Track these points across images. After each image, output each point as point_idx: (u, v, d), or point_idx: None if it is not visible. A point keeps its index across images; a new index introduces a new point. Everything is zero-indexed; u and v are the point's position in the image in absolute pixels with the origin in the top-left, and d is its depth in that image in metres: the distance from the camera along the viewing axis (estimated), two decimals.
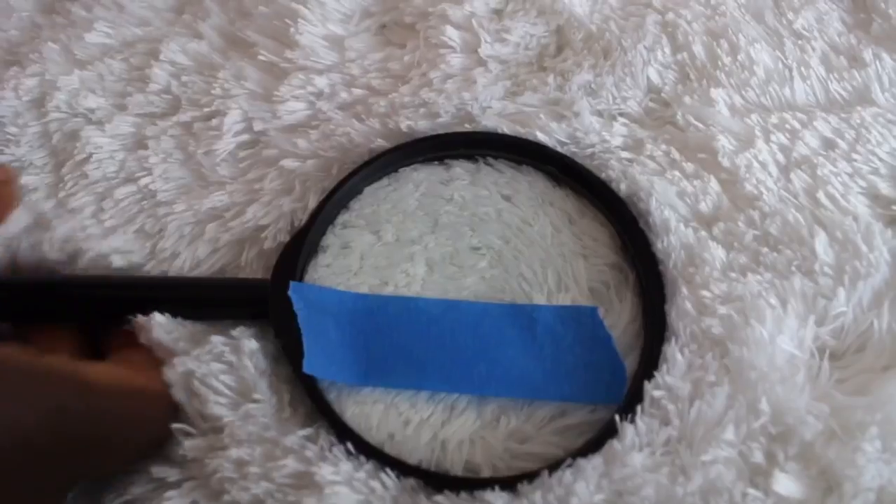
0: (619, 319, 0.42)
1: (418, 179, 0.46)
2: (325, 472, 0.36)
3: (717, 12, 0.51)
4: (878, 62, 0.50)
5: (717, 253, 0.42)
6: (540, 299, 0.43)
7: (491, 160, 0.47)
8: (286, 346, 0.40)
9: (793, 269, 0.41)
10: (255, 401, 0.38)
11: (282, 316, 0.40)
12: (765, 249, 0.42)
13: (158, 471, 0.37)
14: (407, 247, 0.44)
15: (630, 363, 0.41)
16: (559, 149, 0.46)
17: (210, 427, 0.38)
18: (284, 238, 0.44)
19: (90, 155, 0.48)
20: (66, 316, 0.41)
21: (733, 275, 0.42)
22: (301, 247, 0.43)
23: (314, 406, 0.39)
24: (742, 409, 0.37)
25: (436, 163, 0.47)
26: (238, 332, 0.40)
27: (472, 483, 0.38)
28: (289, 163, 0.47)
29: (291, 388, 0.40)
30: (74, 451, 0.35)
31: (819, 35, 0.51)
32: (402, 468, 0.38)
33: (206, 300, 0.42)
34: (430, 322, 0.42)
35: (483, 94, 0.48)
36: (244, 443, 0.37)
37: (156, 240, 0.45)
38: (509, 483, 0.37)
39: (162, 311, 0.40)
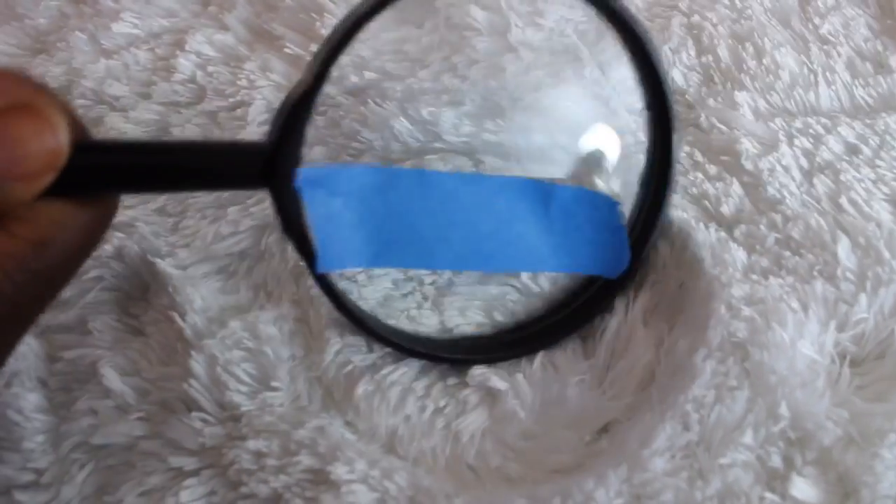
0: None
1: None
2: (340, 470, 0.36)
3: (742, 16, 0.51)
4: None
5: (739, 255, 0.42)
6: None
7: None
8: (290, 223, 0.36)
9: (815, 273, 0.41)
10: (273, 388, 0.38)
11: (285, 192, 0.35)
12: (787, 253, 0.42)
13: (176, 460, 0.37)
14: None
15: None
16: None
17: (229, 415, 0.38)
18: None
19: None
20: None
21: (755, 277, 0.41)
22: (306, 110, 0.36)
23: (333, 303, 0.38)
24: (762, 414, 0.37)
25: None
26: (253, 316, 0.40)
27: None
28: None
29: (313, 376, 0.40)
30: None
31: (845, 40, 0.51)
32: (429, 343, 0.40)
33: (202, 167, 0.35)
34: (444, 198, 0.41)
35: (512, 84, 0.48)
36: (262, 433, 0.37)
37: (178, 218, 0.45)
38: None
39: (153, 180, 0.35)
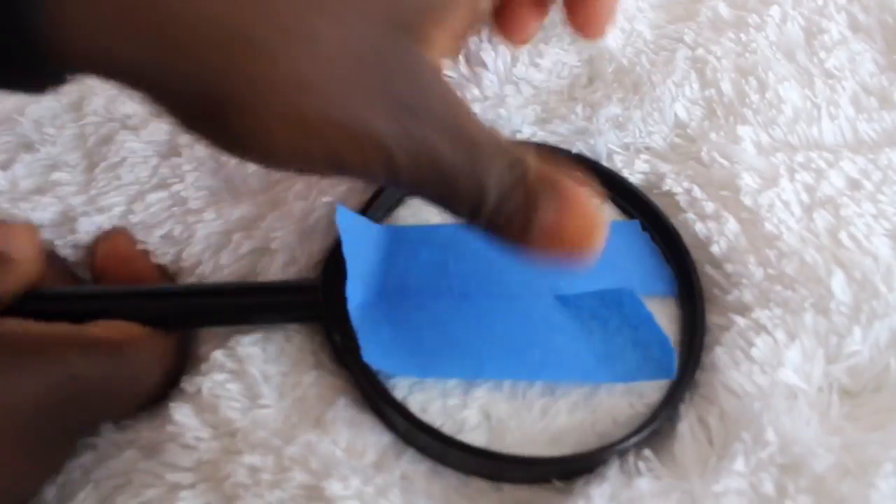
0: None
1: None
2: (334, 487, 0.36)
3: (747, 49, 0.51)
4: None
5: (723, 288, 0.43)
6: None
7: None
8: (341, 342, 0.41)
9: (806, 306, 0.41)
10: (262, 406, 0.39)
11: (335, 314, 0.41)
12: (778, 288, 0.42)
13: (172, 476, 0.37)
14: None
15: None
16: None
17: (225, 431, 0.38)
18: (292, 238, 0.45)
19: (124, 158, 0.48)
20: None
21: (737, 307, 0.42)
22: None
23: (378, 400, 0.40)
24: (749, 440, 0.37)
25: None
26: (233, 342, 0.41)
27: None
28: None
29: (301, 393, 0.40)
30: (86, 408, 0.36)
31: (850, 75, 0.52)
32: (482, 453, 0.39)
33: (257, 306, 0.42)
34: (481, 315, 0.42)
35: (515, 115, 0.49)
36: (257, 448, 0.37)
37: (182, 246, 0.46)
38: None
39: (214, 321, 0.42)
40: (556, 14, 0.50)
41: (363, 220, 0.44)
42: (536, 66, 0.51)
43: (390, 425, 0.40)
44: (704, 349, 0.42)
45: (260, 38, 0.28)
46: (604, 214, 0.38)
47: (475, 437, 0.39)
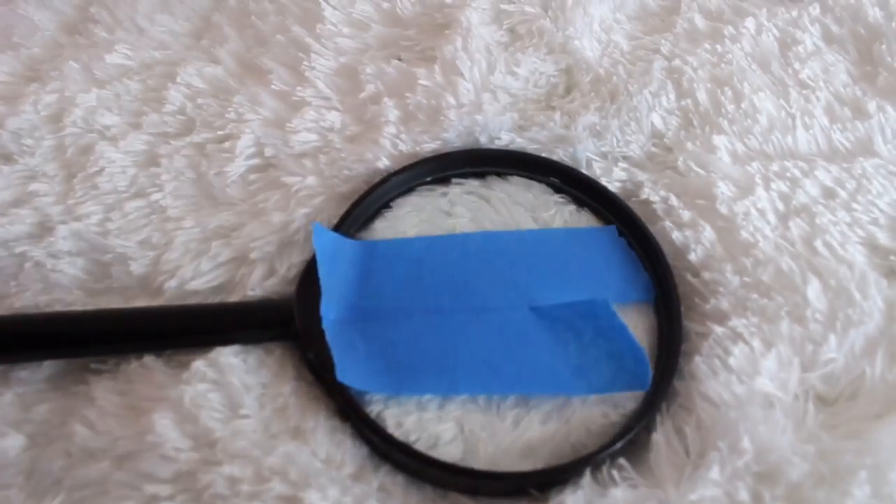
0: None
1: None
2: (313, 497, 0.36)
3: (723, 60, 0.52)
4: (881, 114, 0.50)
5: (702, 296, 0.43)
6: None
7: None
8: (316, 361, 0.41)
9: (782, 314, 0.42)
10: (242, 416, 0.39)
11: (310, 332, 0.41)
12: (754, 296, 0.42)
13: (150, 487, 0.37)
14: None
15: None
16: None
17: (205, 441, 0.38)
18: (271, 249, 0.45)
19: (102, 168, 0.49)
20: (105, 350, 0.43)
21: (715, 315, 0.43)
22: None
23: (354, 417, 0.40)
24: (725, 448, 0.37)
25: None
26: (215, 352, 0.41)
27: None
28: (290, 179, 0.48)
29: (281, 403, 0.40)
30: None
31: (824, 85, 0.52)
32: (456, 470, 0.39)
33: (231, 326, 0.43)
34: (456, 330, 0.42)
35: (492, 122, 0.49)
36: (236, 458, 0.37)
37: (160, 251, 0.46)
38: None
39: (188, 343, 0.42)
40: (532, 24, 0.51)
41: (338, 237, 0.44)
42: (514, 74, 0.51)
43: (366, 441, 0.40)
44: (683, 357, 0.42)
45: None
46: None
47: (450, 450, 0.39)
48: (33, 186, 0.48)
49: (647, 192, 0.47)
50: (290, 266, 0.45)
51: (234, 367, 0.41)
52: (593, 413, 0.41)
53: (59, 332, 0.42)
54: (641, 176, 0.48)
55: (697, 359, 0.41)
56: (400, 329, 0.42)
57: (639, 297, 0.44)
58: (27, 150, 0.50)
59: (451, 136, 0.49)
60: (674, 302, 0.43)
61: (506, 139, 0.49)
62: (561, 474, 0.38)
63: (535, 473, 0.39)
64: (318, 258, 0.42)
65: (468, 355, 0.42)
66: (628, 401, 0.41)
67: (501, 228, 0.46)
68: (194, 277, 0.45)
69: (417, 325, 0.43)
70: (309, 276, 0.43)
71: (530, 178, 0.48)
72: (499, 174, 0.49)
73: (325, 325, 0.41)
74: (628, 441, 0.39)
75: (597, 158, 0.49)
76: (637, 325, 0.43)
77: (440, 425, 0.40)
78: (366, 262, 0.44)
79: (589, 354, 0.42)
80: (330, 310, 0.41)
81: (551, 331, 0.42)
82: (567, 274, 0.45)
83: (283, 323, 0.42)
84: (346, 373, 0.40)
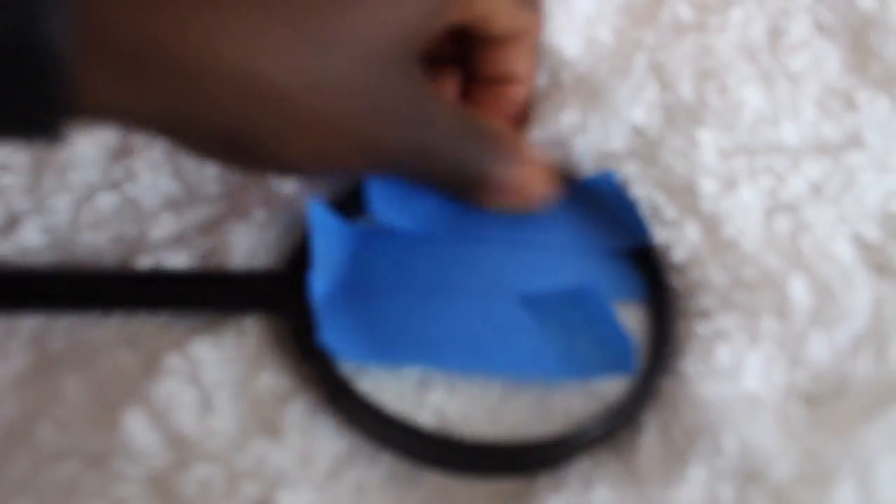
0: None
1: None
2: (286, 499, 0.36)
3: (708, 52, 0.51)
4: (872, 106, 0.50)
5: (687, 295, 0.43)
6: None
7: None
8: (301, 332, 0.41)
9: (767, 311, 0.41)
10: (215, 414, 0.39)
11: (297, 304, 0.41)
12: (739, 293, 0.42)
13: (120, 489, 0.37)
14: None
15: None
16: None
17: (176, 440, 0.38)
18: (249, 244, 0.45)
19: (73, 161, 0.48)
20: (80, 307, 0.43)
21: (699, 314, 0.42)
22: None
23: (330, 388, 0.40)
24: (709, 447, 0.37)
25: None
26: (187, 344, 0.41)
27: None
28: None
29: (256, 398, 0.40)
30: None
31: (813, 77, 0.51)
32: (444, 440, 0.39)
33: (216, 293, 0.43)
34: (444, 307, 0.43)
35: None
36: (208, 459, 0.37)
37: (135, 247, 0.45)
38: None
39: (174, 305, 0.43)
40: None
41: (334, 217, 0.44)
42: None
43: (353, 420, 0.40)
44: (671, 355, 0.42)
45: (282, 81, 0.34)
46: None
47: None
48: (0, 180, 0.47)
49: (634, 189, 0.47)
50: (269, 261, 0.45)
51: (207, 362, 0.40)
52: (576, 405, 0.41)
53: (26, 285, 0.43)
54: (625, 170, 0.47)
55: (682, 358, 0.41)
56: (387, 303, 0.43)
57: (631, 296, 0.44)
58: None
59: None
60: (666, 298, 0.43)
61: None
62: (547, 451, 0.39)
63: (518, 448, 0.39)
64: (314, 235, 0.42)
65: (454, 333, 0.42)
66: (613, 394, 0.41)
67: None
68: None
69: (405, 300, 0.43)
70: (300, 252, 0.43)
71: None
72: None
73: (313, 294, 0.41)
74: (612, 431, 0.39)
75: (584, 154, 0.48)
76: (629, 322, 0.43)
77: (421, 412, 0.40)
78: (359, 243, 0.45)
79: (576, 340, 0.42)
80: (319, 282, 0.42)
81: (539, 317, 0.42)
82: (559, 268, 0.45)
83: (269, 294, 0.43)
84: (329, 337, 0.40)
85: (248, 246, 0.45)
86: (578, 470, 0.39)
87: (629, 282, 0.45)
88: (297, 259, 0.43)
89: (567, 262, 0.45)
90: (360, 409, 0.39)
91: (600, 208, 0.47)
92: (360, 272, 0.44)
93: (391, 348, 0.41)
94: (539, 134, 0.48)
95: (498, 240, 0.45)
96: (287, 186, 0.47)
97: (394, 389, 0.41)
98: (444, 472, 0.39)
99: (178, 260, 0.45)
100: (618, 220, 0.46)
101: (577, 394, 0.41)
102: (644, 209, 0.46)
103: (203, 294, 0.43)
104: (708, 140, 0.48)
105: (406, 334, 0.41)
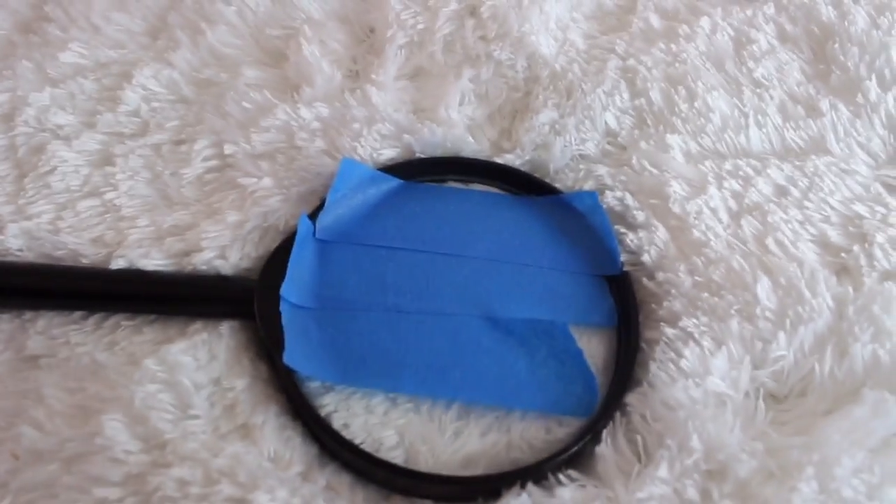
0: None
1: None
2: (261, 499, 0.36)
3: (677, 59, 0.52)
4: (834, 112, 0.51)
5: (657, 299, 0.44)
6: None
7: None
8: (268, 341, 0.41)
9: (732, 312, 0.42)
10: (192, 416, 0.39)
11: (268, 314, 0.42)
12: (705, 295, 0.43)
13: (101, 491, 0.37)
14: None
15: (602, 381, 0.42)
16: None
17: (155, 443, 0.38)
18: (223, 248, 0.45)
19: (54, 168, 0.48)
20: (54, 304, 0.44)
21: (668, 318, 0.43)
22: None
23: (292, 404, 0.40)
24: (674, 447, 0.38)
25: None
26: (164, 350, 0.41)
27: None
28: (245, 180, 0.47)
29: (231, 400, 0.40)
30: None
31: (778, 84, 0.53)
32: (392, 468, 0.39)
33: (191, 297, 0.44)
34: (410, 329, 0.43)
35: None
36: (186, 461, 0.37)
37: (113, 249, 0.45)
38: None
39: (149, 307, 0.43)
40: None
41: (313, 231, 0.45)
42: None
43: (315, 439, 0.40)
44: (637, 367, 0.42)
45: None
46: None
47: (392, 456, 0.40)
48: None
49: (606, 195, 0.47)
50: (242, 267, 0.45)
51: (184, 365, 0.41)
52: (536, 428, 0.41)
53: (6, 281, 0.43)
54: (600, 170, 0.48)
55: (651, 364, 0.41)
56: (355, 322, 0.43)
57: (601, 322, 0.44)
58: None
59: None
60: (632, 332, 0.43)
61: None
62: (506, 480, 0.38)
63: (479, 479, 0.39)
64: (296, 245, 0.43)
65: (417, 356, 0.42)
66: (573, 419, 0.41)
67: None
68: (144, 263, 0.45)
69: (373, 320, 0.43)
70: (274, 260, 0.44)
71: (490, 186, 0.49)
72: (463, 181, 0.49)
73: (283, 307, 0.41)
74: (573, 454, 0.39)
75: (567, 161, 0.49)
76: (593, 347, 0.43)
77: (385, 431, 0.40)
78: (334, 254, 0.45)
79: (539, 373, 0.42)
80: (291, 294, 0.42)
81: (505, 343, 0.42)
82: (532, 288, 0.45)
83: (242, 301, 0.43)
84: (294, 356, 0.40)
85: (222, 250, 0.45)
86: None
87: (599, 307, 0.45)
88: (271, 267, 0.43)
89: (539, 282, 0.45)
90: (320, 429, 0.40)
91: (578, 231, 0.47)
92: (332, 282, 0.44)
93: (356, 372, 0.41)
94: (524, 137, 0.49)
95: (473, 256, 0.45)
96: (262, 191, 0.47)
97: (360, 408, 0.41)
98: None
99: (153, 263, 0.45)
100: (594, 246, 0.46)
101: (536, 416, 0.41)
102: (615, 219, 0.47)
103: (178, 298, 0.43)
104: (677, 144, 0.49)
105: (372, 357, 0.41)
